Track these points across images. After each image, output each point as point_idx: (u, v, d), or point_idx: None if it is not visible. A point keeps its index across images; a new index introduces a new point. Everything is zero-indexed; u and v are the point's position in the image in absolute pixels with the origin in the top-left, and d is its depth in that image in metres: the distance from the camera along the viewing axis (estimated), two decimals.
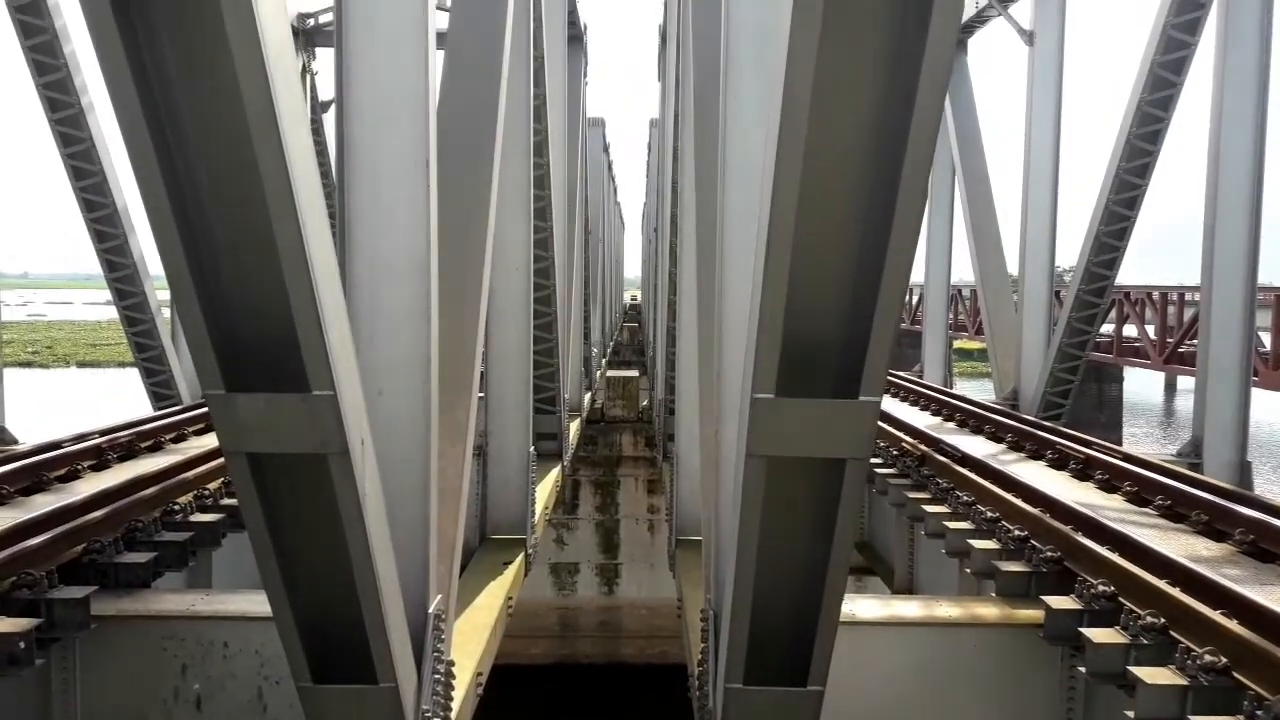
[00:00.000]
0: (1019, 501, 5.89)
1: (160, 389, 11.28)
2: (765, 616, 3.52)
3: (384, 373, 3.90)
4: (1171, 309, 18.94)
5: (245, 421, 2.94)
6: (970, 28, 15.77)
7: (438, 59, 4.59)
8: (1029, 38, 12.94)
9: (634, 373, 18.35)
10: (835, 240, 2.79)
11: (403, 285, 3.92)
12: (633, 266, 45.48)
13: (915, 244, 2.75)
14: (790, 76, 2.51)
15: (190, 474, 6.42)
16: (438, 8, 11.99)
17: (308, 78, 16.51)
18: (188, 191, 2.66)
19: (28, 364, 55.27)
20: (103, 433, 7.97)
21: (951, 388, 15.74)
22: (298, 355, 2.84)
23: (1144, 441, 31.88)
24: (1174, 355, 18.21)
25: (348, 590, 3.33)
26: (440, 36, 6.07)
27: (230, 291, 2.81)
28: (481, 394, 7.85)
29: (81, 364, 58.43)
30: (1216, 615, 3.89)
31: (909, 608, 4.77)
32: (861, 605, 4.66)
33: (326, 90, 16.30)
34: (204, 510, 5.92)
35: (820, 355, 2.97)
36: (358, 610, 3.37)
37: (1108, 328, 18.58)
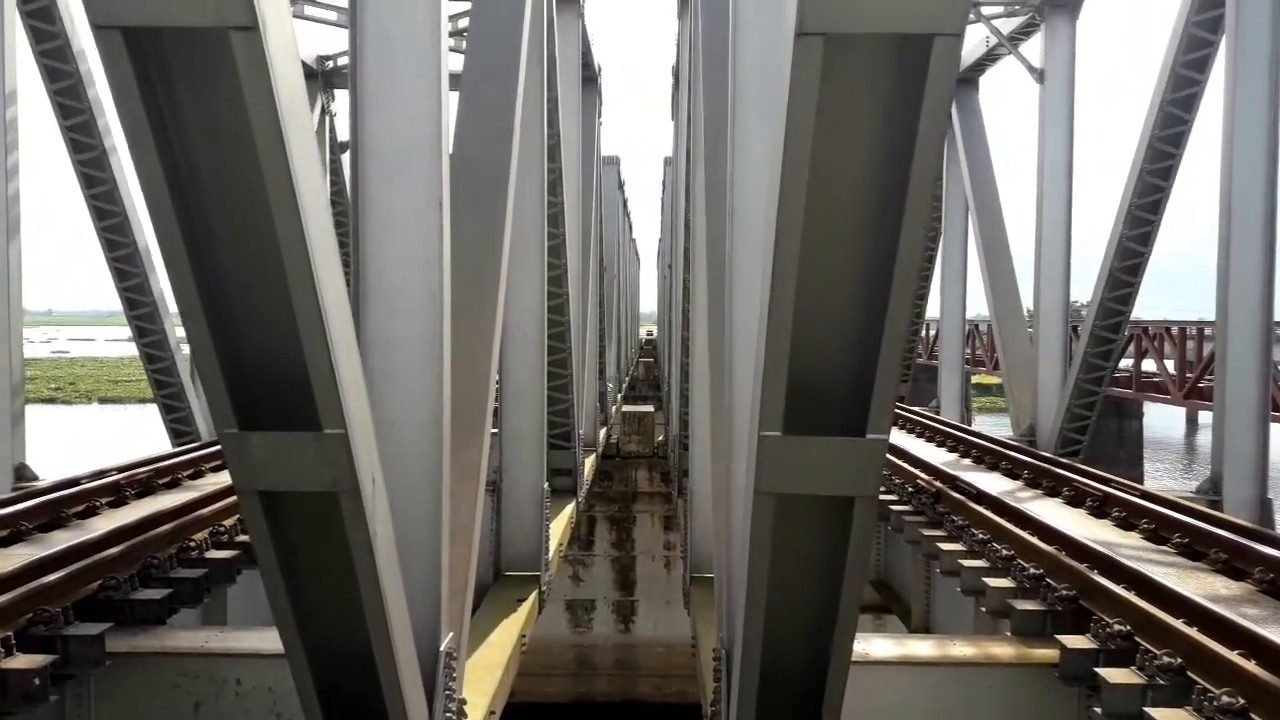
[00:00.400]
0: (1034, 539, 5.85)
1: (179, 425, 11.38)
2: (776, 656, 3.50)
3: (397, 411, 3.93)
4: (1191, 343, 18.83)
5: (258, 460, 2.97)
6: (981, 66, 15.89)
7: (452, 101, 4.68)
8: (1039, 75, 13.02)
9: (649, 408, 18.36)
10: (839, 279, 2.82)
11: (416, 324, 3.97)
12: (649, 302, 45.68)
13: (917, 283, 2.78)
14: (791, 118, 2.55)
15: (206, 510, 6.46)
16: (453, 50, 12.21)
17: (326, 119, 16.77)
18: (201, 233, 2.72)
19: (50, 400, 55.80)
20: (121, 469, 8.03)
21: (969, 423, 15.68)
22: (309, 395, 2.88)
23: (1165, 477, 31.55)
24: (1194, 390, 18.07)
25: (358, 628, 3.34)
26: (455, 78, 6.21)
27: (243, 332, 2.86)
28: (495, 430, 7.90)
29: (103, 400, 58.95)
30: (1234, 655, 3.84)
31: (923, 647, 4.72)
32: (875, 645, 4.63)
33: (345, 131, 16.55)
34: (219, 547, 5.95)
35: (827, 393, 2.99)
36: (369, 648, 3.38)
37: (1126, 362, 18.49)
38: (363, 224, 4.01)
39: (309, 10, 15.79)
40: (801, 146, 2.59)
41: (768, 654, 3.47)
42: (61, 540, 5.68)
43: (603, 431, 16.13)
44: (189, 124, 2.62)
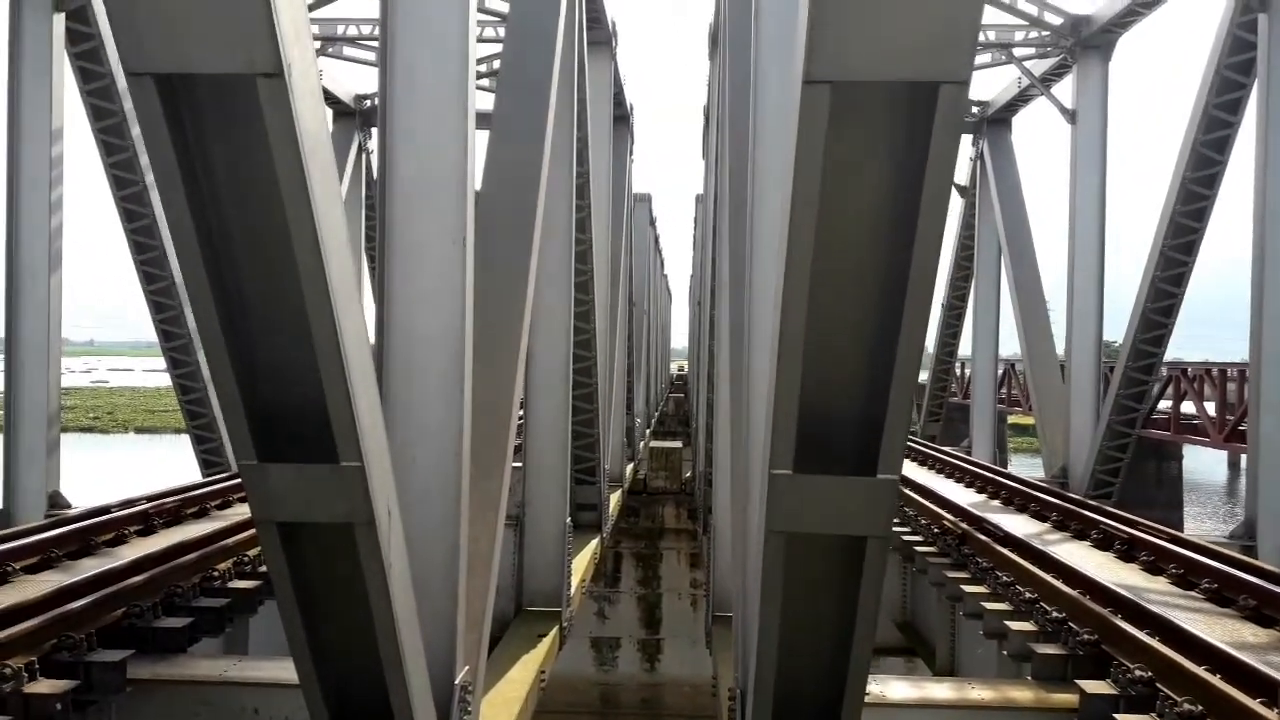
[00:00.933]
0: (1058, 583, 5.78)
1: (210, 456, 11.55)
2: (790, 696, 3.49)
3: (417, 444, 3.99)
4: (1232, 385, 18.52)
5: (276, 491, 3.04)
6: (1014, 106, 15.91)
7: (479, 138, 4.78)
8: (1071, 116, 13.01)
9: (677, 444, 18.33)
10: (848, 320, 2.85)
11: (438, 359, 4.03)
12: (680, 338, 45.70)
13: (925, 326, 2.79)
14: (799, 163, 2.60)
15: (230, 540, 6.55)
16: (484, 90, 12.32)
17: (364, 156, 17.09)
18: (226, 270, 2.80)
19: (89, 429, 56.71)
20: (150, 499, 8.16)
21: (1004, 463, 15.50)
22: (327, 428, 2.94)
23: (1206, 520, 30.89)
24: (1234, 433, 17.75)
25: (373, 659, 3.37)
26: (486, 117, 6.33)
27: (264, 365, 2.94)
28: (519, 464, 7.94)
29: (140, 430, 59.81)
30: (1256, 704, 3.76)
31: (940, 690, 4.67)
32: (893, 687, 4.58)
33: None
34: (242, 577, 6.02)
35: (838, 433, 3.00)
36: (383, 679, 3.41)
37: (1166, 404, 18.23)
38: (388, 259, 4.09)
39: (348, 51, 16.18)
40: (810, 191, 2.63)
41: (781, 694, 3.46)
42: (89, 567, 5.78)
43: (630, 467, 16.13)
44: (216, 166, 2.72)
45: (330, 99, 16.52)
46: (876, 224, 2.70)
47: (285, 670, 4.50)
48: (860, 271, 2.78)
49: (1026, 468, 17.31)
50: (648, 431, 21.72)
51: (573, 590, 7.84)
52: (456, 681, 4.02)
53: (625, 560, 16.99)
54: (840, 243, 2.72)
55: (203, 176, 2.72)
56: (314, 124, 2.71)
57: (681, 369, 40.24)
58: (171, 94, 2.61)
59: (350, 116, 16.92)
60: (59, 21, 9.49)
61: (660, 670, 16.77)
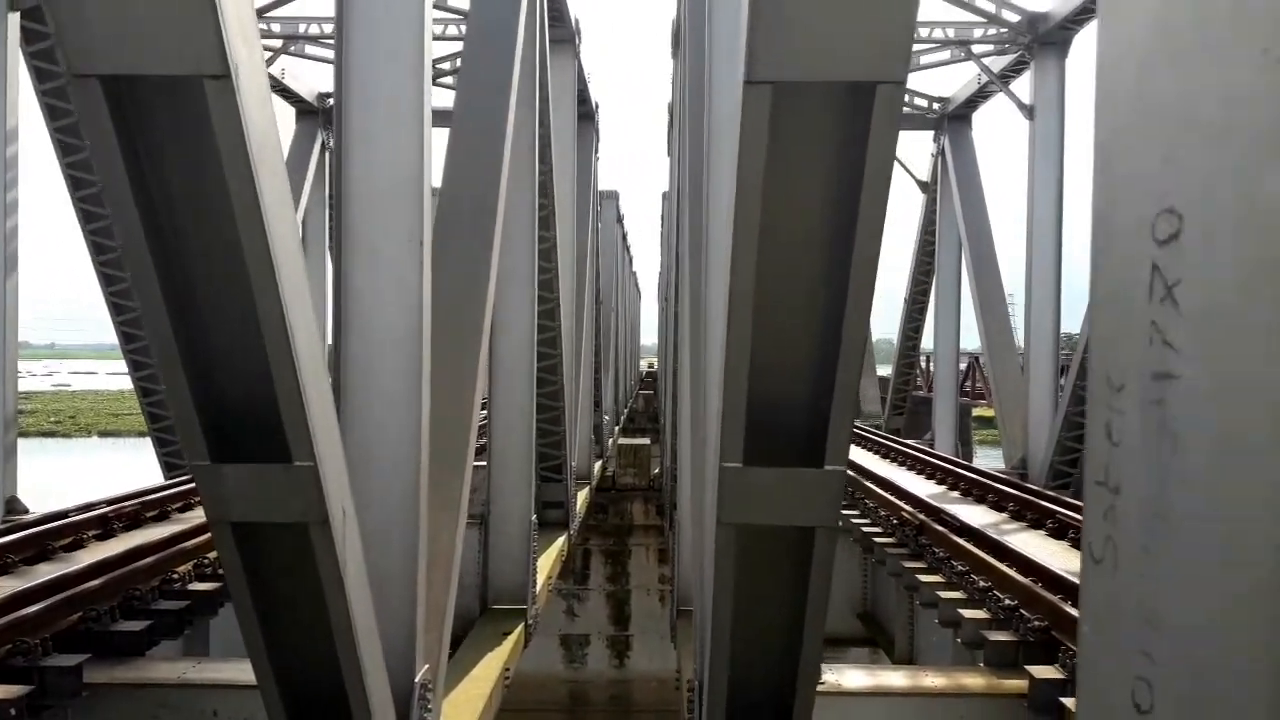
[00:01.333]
0: (1011, 571, 5.89)
1: (172, 459, 11.45)
2: (743, 687, 3.55)
3: (374, 444, 4.00)
4: None
5: (229, 491, 3.05)
6: (973, 103, 16.09)
7: (437, 136, 4.78)
8: (1029, 112, 13.20)
9: (645, 440, 18.37)
10: (794, 315, 2.91)
11: (395, 359, 4.04)
12: (650, 335, 45.80)
13: (868, 319, 2.86)
14: (742, 162, 2.65)
15: (191, 543, 6.51)
16: (447, 86, 12.28)
17: (327, 154, 16.97)
18: (176, 271, 2.81)
19: (50, 434, 55.81)
20: (110, 502, 8.09)
21: (968, 456, 15.69)
22: (280, 427, 2.95)
23: None
24: None
25: (330, 659, 3.39)
26: (447, 115, 6.33)
27: (215, 365, 2.95)
28: (483, 463, 7.96)
29: (103, 433, 58.94)
30: None
31: (895, 678, 4.76)
32: (849, 676, 4.66)
33: None
34: (203, 579, 6.00)
35: (785, 426, 3.06)
36: (341, 679, 3.42)
37: None
38: (345, 258, 4.10)
39: (310, 49, 16.06)
40: (753, 188, 2.68)
41: (735, 683, 3.52)
42: (46, 572, 5.73)
43: (598, 464, 16.16)
44: (164, 168, 2.72)
45: (293, 97, 16.40)
46: (819, 220, 2.76)
47: (244, 672, 4.48)
48: (804, 267, 2.83)
49: (990, 460, 17.54)
50: (617, 429, 21.75)
51: (538, 588, 7.86)
52: (416, 680, 4.04)
53: (594, 557, 17.03)
54: (784, 239, 2.78)
55: (151, 179, 2.73)
56: (263, 126, 2.73)
57: (651, 366, 40.30)
58: (118, 96, 2.62)
59: (314, 115, 16.79)
60: (14, 21, 9.36)
61: (629, 666, 16.83)
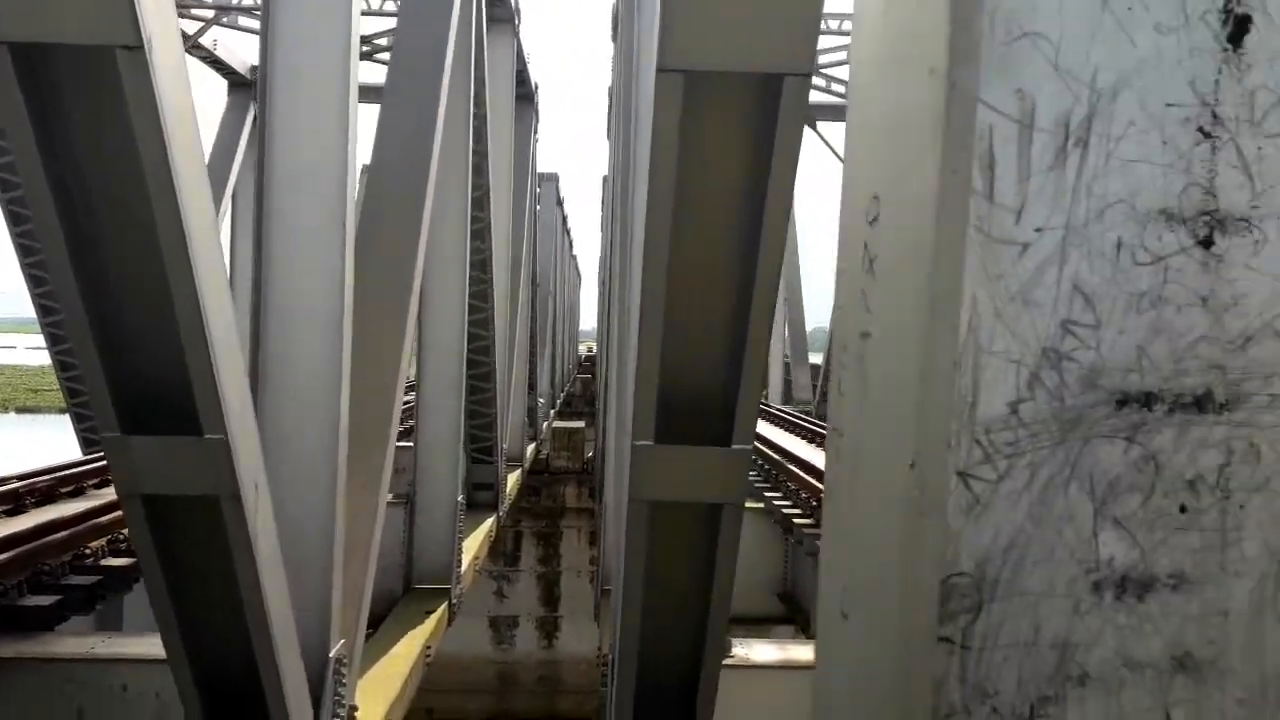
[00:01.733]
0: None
1: (90, 435, 11.18)
2: (653, 660, 3.64)
3: (292, 421, 4.00)
4: None
5: (139, 464, 3.04)
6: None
7: (365, 114, 4.76)
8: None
9: (579, 424, 18.44)
10: (704, 298, 3.00)
11: (315, 338, 4.03)
12: (590, 319, 45.68)
13: (774, 304, 2.96)
14: (655, 147, 2.73)
15: (105, 519, 6.41)
16: (381, 61, 12.01)
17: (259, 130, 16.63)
18: (86, 241, 2.79)
19: None
20: (21, 477, 7.90)
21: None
22: (191, 400, 2.96)
23: None
24: None
25: (242, 633, 3.40)
26: (378, 92, 6.27)
27: (127, 337, 2.94)
28: (411, 443, 7.94)
29: (21, 409, 57.04)
30: None
31: (804, 651, 4.90)
32: (757, 650, 4.80)
33: None
34: (116, 554, 5.91)
35: (695, 406, 3.15)
36: (251, 651, 3.44)
37: None
38: (267, 236, 4.07)
39: (243, 21, 15.74)
40: (666, 174, 2.76)
41: (645, 658, 3.61)
42: None
43: (531, 447, 16.17)
44: (76, 140, 2.70)
45: (225, 69, 16.04)
46: (730, 209, 2.85)
47: (155, 646, 4.46)
48: (714, 252, 2.92)
49: None
50: (552, 412, 21.76)
51: (464, 568, 7.89)
52: (331, 655, 4.06)
53: (525, 539, 17.07)
54: (694, 226, 2.86)
55: (63, 152, 2.71)
56: (177, 98, 2.72)
57: (591, 350, 40.28)
58: (29, 65, 2.59)
59: (247, 88, 16.44)
60: None
61: (558, 647, 16.93)
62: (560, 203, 24.98)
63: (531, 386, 16.24)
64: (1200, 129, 0.79)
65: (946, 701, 0.83)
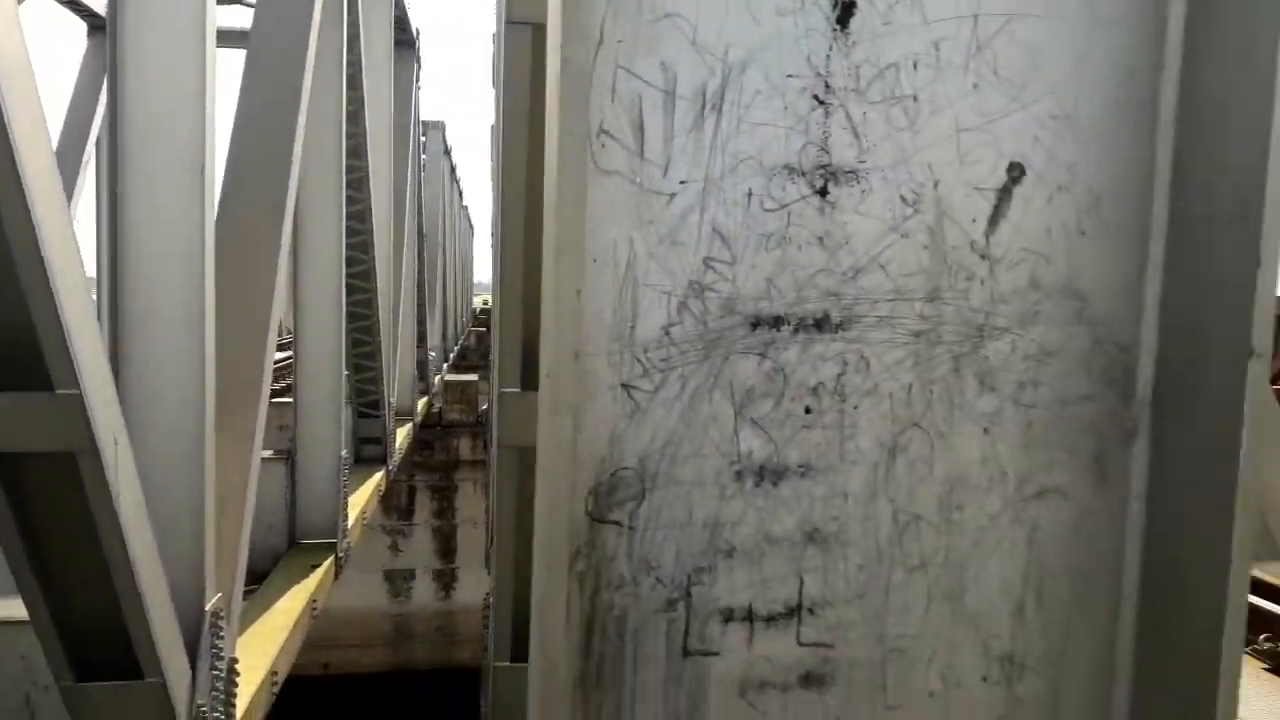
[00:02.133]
0: None
1: None
2: (525, 600, 3.75)
3: (155, 374, 3.94)
4: None
5: None
6: None
7: (223, 58, 4.62)
8: None
9: (473, 377, 18.36)
10: None
11: (175, 289, 3.96)
12: (484, 271, 45.21)
13: None
14: (504, 101, 2.77)
15: None
16: (249, 4, 11.55)
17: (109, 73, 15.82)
18: None
19: None
20: None
21: None
22: (40, 353, 2.90)
23: None
24: None
25: (108, 590, 3.38)
26: (244, 35, 6.06)
27: None
28: (291, 399, 7.84)
29: None
30: None
31: None
32: None
33: None
34: None
35: None
36: (118, 607, 3.42)
37: None
38: (121, 183, 3.96)
39: None
40: (518, 130, 2.80)
41: (519, 597, 3.72)
42: None
43: (423, 401, 16.04)
44: None
45: (84, 11, 15.14)
46: None
47: (18, 608, 4.36)
48: None
49: None
50: (445, 365, 21.57)
51: (351, 522, 7.87)
52: (207, 609, 4.06)
53: (420, 493, 17.01)
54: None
55: None
56: (10, 44, 2.63)
57: (486, 302, 39.91)
58: None
59: (105, 30, 15.59)
60: None
61: (455, 598, 17.02)
62: (448, 152, 24.49)
63: (421, 340, 16.07)
64: (815, 97, 0.91)
65: (617, 574, 0.95)
